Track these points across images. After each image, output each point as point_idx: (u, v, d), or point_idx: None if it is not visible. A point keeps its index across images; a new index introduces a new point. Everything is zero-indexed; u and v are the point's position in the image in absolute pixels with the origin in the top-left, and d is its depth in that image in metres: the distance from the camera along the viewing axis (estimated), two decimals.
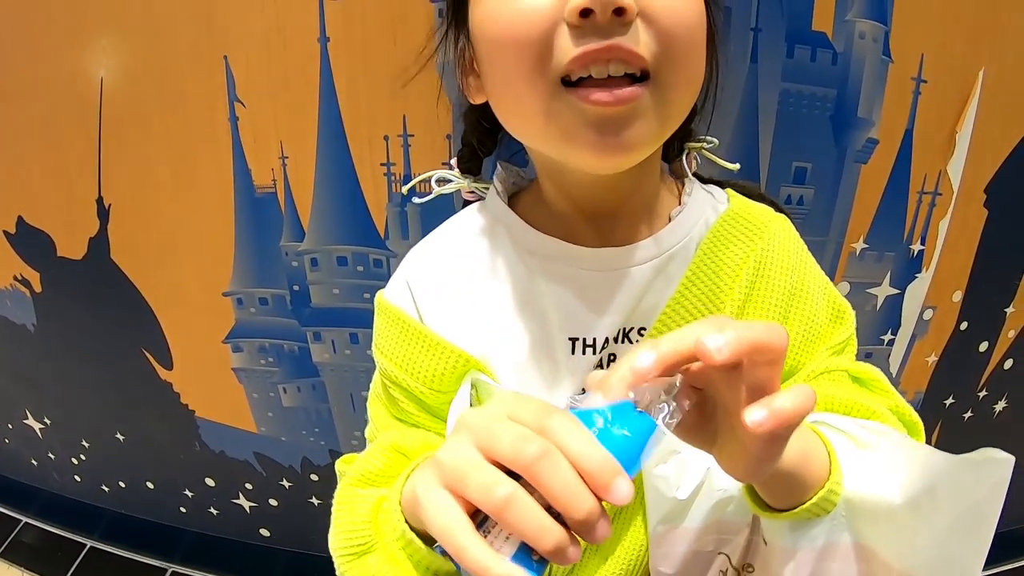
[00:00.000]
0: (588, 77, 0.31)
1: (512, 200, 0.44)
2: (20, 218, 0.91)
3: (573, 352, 0.40)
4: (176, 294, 0.88)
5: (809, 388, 0.25)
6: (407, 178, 0.74)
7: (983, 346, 0.95)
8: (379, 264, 0.79)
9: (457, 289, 0.42)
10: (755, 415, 0.23)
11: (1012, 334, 0.95)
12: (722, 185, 0.48)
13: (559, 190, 0.41)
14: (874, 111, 0.74)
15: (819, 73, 0.71)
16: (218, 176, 0.78)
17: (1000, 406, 1.01)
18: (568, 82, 0.32)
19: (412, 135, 0.71)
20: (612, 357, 0.41)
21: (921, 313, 0.88)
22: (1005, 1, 0.70)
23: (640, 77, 0.32)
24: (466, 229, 0.44)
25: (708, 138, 0.47)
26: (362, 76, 0.70)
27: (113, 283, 0.89)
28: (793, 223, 0.80)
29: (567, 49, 0.31)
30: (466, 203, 0.48)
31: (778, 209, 0.47)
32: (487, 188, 0.48)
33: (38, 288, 0.96)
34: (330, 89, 0.71)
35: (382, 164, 0.73)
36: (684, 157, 0.45)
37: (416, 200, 0.46)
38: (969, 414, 1.00)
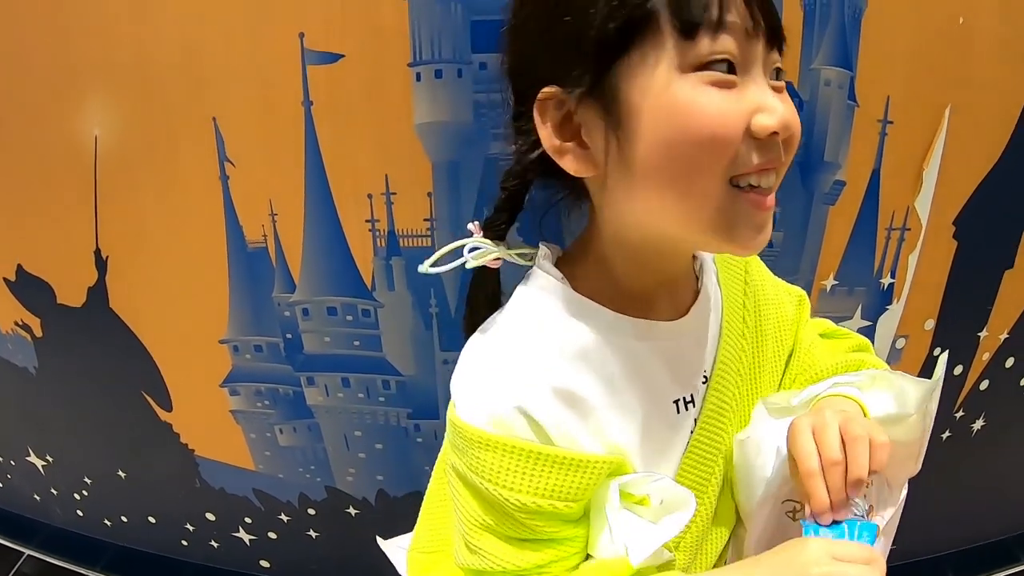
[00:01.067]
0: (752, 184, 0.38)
1: (578, 289, 0.44)
2: (20, 266, 0.94)
3: (678, 412, 0.47)
4: (174, 341, 0.91)
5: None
6: (391, 234, 0.77)
7: (958, 369, 0.97)
8: (367, 314, 0.82)
9: (573, 395, 0.41)
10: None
11: (987, 356, 0.98)
12: None
13: (642, 268, 0.44)
14: (840, 154, 0.77)
15: None
16: (211, 231, 0.81)
17: (978, 424, 1.04)
18: (735, 183, 0.37)
19: (395, 193, 0.74)
20: (691, 398, 0.48)
21: (894, 342, 0.91)
22: (970, 38, 0.73)
23: None
24: (548, 327, 0.42)
25: None
26: (345, 137, 0.73)
27: (113, 330, 0.92)
28: (764, 264, 0.84)
29: (750, 158, 0.36)
30: (475, 273, 0.49)
31: None
32: (519, 253, 0.48)
33: (39, 333, 0.99)
34: (315, 150, 0.74)
35: (367, 220, 0.76)
36: None
37: (432, 270, 0.45)
38: (947, 434, 1.03)
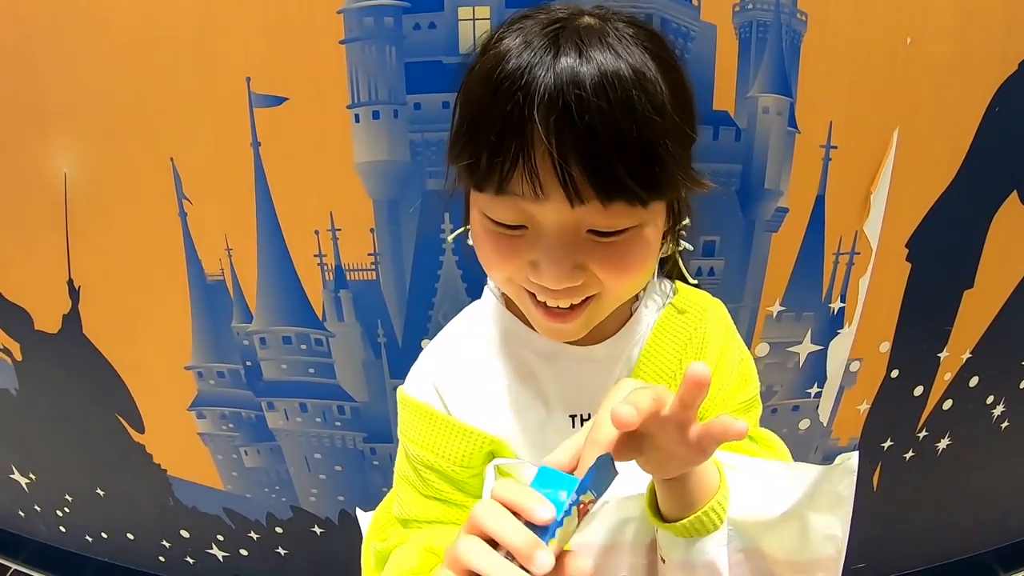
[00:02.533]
0: None
1: (509, 304, 0.51)
2: (0, 294, 0.98)
3: (573, 426, 0.49)
4: (143, 367, 0.95)
5: (740, 421, 0.33)
6: (338, 268, 0.79)
7: (918, 390, 0.97)
8: (320, 343, 0.85)
9: (477, 384, 0.50)
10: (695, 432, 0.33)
11: (948, 376, 0.97)
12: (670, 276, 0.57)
13: None
14: (782, 181, 0.76)
15: (722, 150, 0.74)
16: (173, 264, 0.84)
17: (943, 443, 1.03)
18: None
19: (339, 229, 0.77)
20: (589, 416, 0.49)
21: (848, 365, 0.91)
22: (915, 59, 0.72)
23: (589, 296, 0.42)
24: (475, 331, 0.52)
25: (685, 243, 0.55)
26: (291, 176, 0.76)
27: (87, 355, 0.96)
28: (706, 291, 0.85)
29: (531, 284, 0.41)
30: None
31: None
32: None
33: (19, 357, 1.03)
34: (264, 188, 0.76)
35: (315, 255, 0.79)
36: (662, 250, 0.51)
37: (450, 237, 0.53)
38: (911, 454, 1.03)
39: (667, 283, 0.55)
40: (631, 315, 0.51)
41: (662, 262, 0.55)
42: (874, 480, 1.04)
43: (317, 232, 0.78)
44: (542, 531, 0.30)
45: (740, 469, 0.42)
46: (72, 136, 0.82)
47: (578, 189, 0.36)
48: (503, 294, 0.51)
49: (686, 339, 0.51)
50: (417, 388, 0.51)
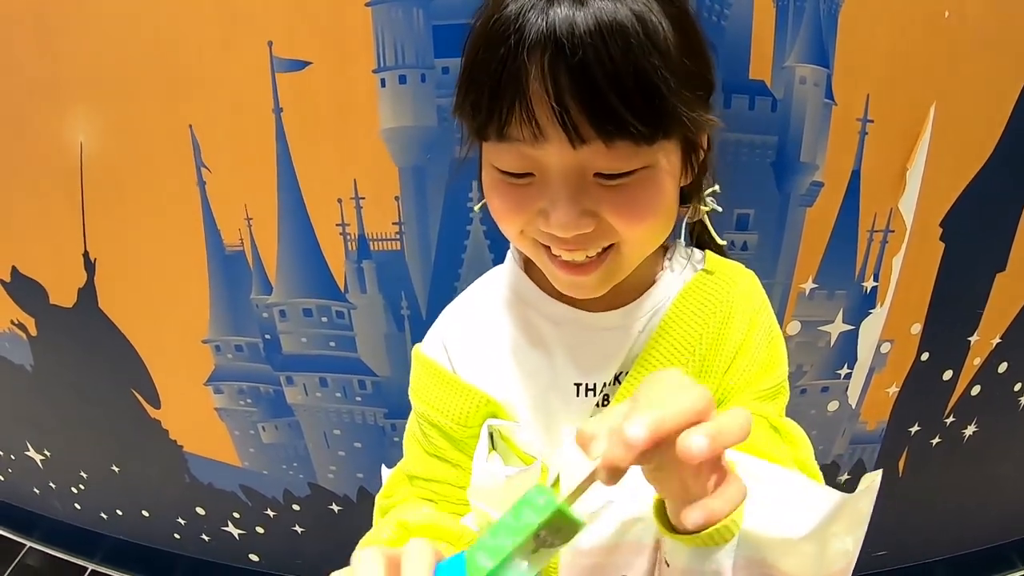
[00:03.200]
0: None
1: (528, 263, 0.50)
2: (14, 267, 0.97)
3: (577, 395, 0.48)
4: (160, 341, 0.94)
5: (745, 412, 0.28)
6: (362, 238, 0.78)
7: (947, 375, 0.95)
8: (341, 315, 0.83)
9: (484, 345, 0.50)
10: (696, 442, 0.26)
11: (978, 361, 0.95)
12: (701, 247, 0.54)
13: None
14: (818, 155, 0.74)
15: (758, 121, 0.72)
16: (190, 235, 0.82)
17: (970, 430, 1.02)
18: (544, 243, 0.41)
19: (363, 197, 0.75)
20: (606, 398, 0.48)
21: (878, 347, 0.89)
22: (954, 34, 0.70)
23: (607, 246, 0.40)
24: (491, 293, 0.52)
25: (710, 201, 0.51)
26: (314, 143, 0.74)
27: (103, 330, 0.95)
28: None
29: (541, 235, 0.40)
30: None
31: None
32: None
33: (34, 332, 1.02)
34: (286, 155, 0.75)
35: (337, 224, 0.77)
36: (687, 214, 0.50)
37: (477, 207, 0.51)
38: (937, 440, 1.01)
39: (697, 252, 0.52)
40: (653, 283, 0.49)
41: (690, 228, 0.52)
42: (900, 465, 1.02)
43: (340, 201, 0.76)
44: None
45: (763, 479, 0.37)
46: (88, 104, 0.80)
47: (577, 128, 0.35)
48: (523, 257, 0.50)
49: (711, 310, 0.48)
50: (428, 344, 0.52)
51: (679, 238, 0.51)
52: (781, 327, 0.85)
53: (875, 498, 0.33)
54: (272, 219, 0.79)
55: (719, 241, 0.53)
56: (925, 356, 0.92)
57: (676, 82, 0.35)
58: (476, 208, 0.53)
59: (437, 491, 0.50)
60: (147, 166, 0.81)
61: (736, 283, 0.50)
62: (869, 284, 0.84)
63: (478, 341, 0.50)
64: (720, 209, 0.51)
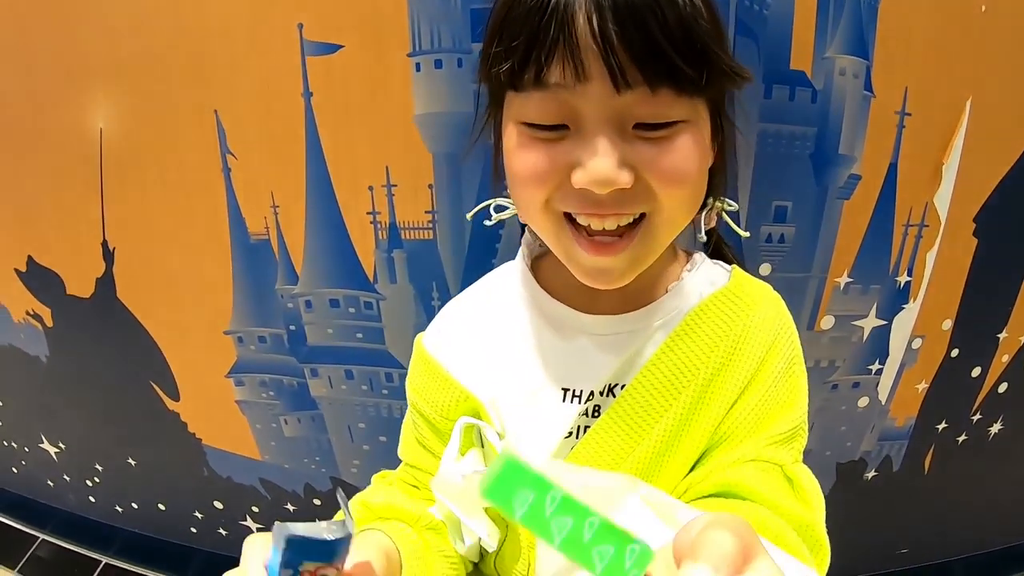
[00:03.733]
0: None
1: (537, 262, 0.49)
2: (30, 257, 0.95)
3: (564, 400, 0.45)
4: (180, 332, 0.92)
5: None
6: (393, 226, 0.76)
7: (975, 371, 0.94)
8: (369, 306, 0.82)
9: (479, 341, 0.49)
10: None
11: (1006, 358, 0.95)
12: (730, 262, 0.51)
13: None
14: (856, 147, 0.74)
15: (798, 112, 0.71)
16: (214, 223, 0.81)
17: (996, 428, 1.01)
18: (570, 216, 0.38)
19: (395, 185, 0.73)
20: (596, 409, 0.45)
21: (910, 342, 0.88)
22: (990, 29, 0.70)
23: (638, 218, 0.38)
24: (496, 287, 0.51)
25: (729, 201, 0.49)
26: (345, 129, 0.72)
27: (120, 320, 0.93)
28: (774, 260, 0.81)
29: (570, 200, 0.37)
30: (522, 227, 0.51)
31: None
32: None
33: (49, 323, 1.00)
34: (315, 141, 0.73)
35: (368, 213, 0.76)
36: (704, 212, 0.47)
37: (486, 223, 0.50)
38: (963, 437, 1.00)
39: (723, 269, 0.49)
40: (666, 293, 0.46)
41: (708, 233, 0.49)
42: (926, 463, 1.02)
43: (371, 188, 0.74)
44: None
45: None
46: (108, 88, 0.78)
47: (623, 70, 0.34)
48: (532, 255, 0.49)
49: (723, 333, 0.44)
50: (428, 333, 0.52)
51: (698, 245, 0.49)
52: (815, 322, 0.85)
53: None
54: (299, 207, 0.77)
55: (742, 233, 0.51)
56: (955, 353, 0.91)
57: (713, 33, 0.35)
58: (468, 216, 0.51)
59: (419, 479, 0.49)
60: (170, 152, 0.79)
61: (757, 307, 0.45)
62: (903, 279, 0.83)
63: (474, 336, 0.48)
64: (736, 207, 0.49)
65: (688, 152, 0.37)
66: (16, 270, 0.97)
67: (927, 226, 0.81)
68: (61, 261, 0.94)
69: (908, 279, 0.84)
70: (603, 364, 0.44)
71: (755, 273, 0.78)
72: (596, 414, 0.44)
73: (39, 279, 0.96)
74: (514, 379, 0.46)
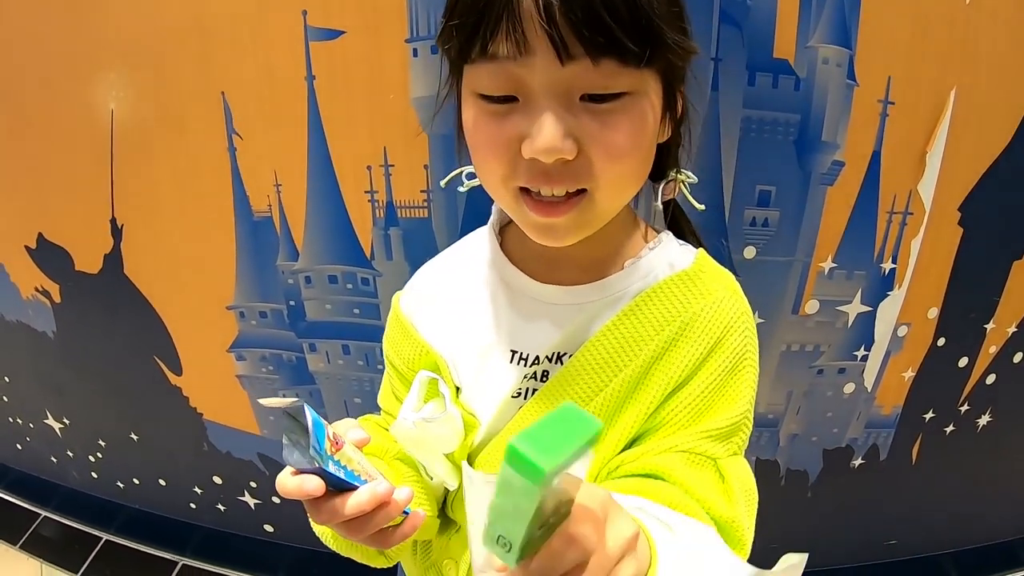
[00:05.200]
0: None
1: (504, 229, 0.51)
2: (40, 234, 0.99)
3: (511, 361, 0.48)
4: (184, 307, 0.95)
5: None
6: (390, 205, 0.79)
7: (963, 361, 0.95)
8: (366, 282, 0.84)
9: (443, 299, 0.51)
10: None
11: (994, 350, 0.95)
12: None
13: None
14: (839, 134, 0.75)
15: (781, 99, 0.73)
16: (219, 200, 0.84)
17: (984, 420, 1.02)
18: (523, 188, 0.40)
19: (393, 165, 0.76)
20: (545, 374, 0.47)
21: (895, 329, 0.90)
22: (975, 19, 0.71)
23: (580, 189, 0.40)
24: (467, 250, 0.53)
25: (688, 173, 0.50)
26: (345, 111, 0.75)
27: (127, 296, 0.96)
28: (758, 243, 0.83)
29: (522, 173, 0.39)
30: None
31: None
32: None
33: (57, 299, 1.03)
34: (317, 122, 0.76)
35: (366, 192, 0.78)
36: (662, 185, 0.49)
37: (460, 189, 0.52)
38: (951, 428, 1.01)
39: (687, 254, 0.48)
40: (621, 269, 0.46)
41: (665, 206, 0.50)
42: (913, 452, 1.02)
43: (369, 168, 0.77)
44: (339, 480, 0.35)
45: (686, 540, 0.35)
46: (120, 70, 0.82)
47: (565, 42, 0.35)
48: (501, 226, 0.51)
49: (671, 318, 0.44)
50: (403, 292, 0.55)
51: (657, 219, 0.50)
52: (800, 305, 0.86)
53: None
54: (301, 186, 0.80)
55: (697, 206, 0.51)
56: (941, 341, 0.92)
57: (660, 8, 0.36)
58: (442, 183, 0.53)
59: (391, 423, 0.52)
60: (178, 132, 0.82)
61: (712, 295, 0.45)
62: (887, 266, 0.85)
63: (440, 296, 0.51)
64: (696, 179, 0.50)
65: (632, 127, 0.38)
66: (27, 247, 1.00)
67: (911, 214, 0.82)
68: (70, 238, 0.97)
69: (893, 266, 0.85)
70: (550, 332, 0.46)
71: (739, 256, 0.81)
72: (544, 379, 0.46)
73: (48, 255, 0.99)
74: (470, 338, 0.49)
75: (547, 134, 0.36)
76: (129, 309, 0.97)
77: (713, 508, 0.41)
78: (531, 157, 0.37)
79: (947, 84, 0.74)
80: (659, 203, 0.48)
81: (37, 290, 1.04)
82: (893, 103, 0.75)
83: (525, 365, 0.47)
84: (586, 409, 0.42)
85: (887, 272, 0.85)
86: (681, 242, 0.49)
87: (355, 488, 0.36)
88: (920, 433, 1.01)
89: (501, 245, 0.49)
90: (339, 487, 0.35)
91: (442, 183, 0.52)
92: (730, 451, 0.44)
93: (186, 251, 0.90)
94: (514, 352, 0.47)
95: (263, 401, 0.35)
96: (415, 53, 0.71)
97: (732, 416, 0.44)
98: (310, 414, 0.33)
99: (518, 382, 0.47)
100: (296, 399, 0.35)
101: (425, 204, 0.78)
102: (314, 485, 0.34)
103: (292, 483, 0.35)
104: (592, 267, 0.46)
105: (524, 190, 0.40)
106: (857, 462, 1.01)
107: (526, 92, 0.37)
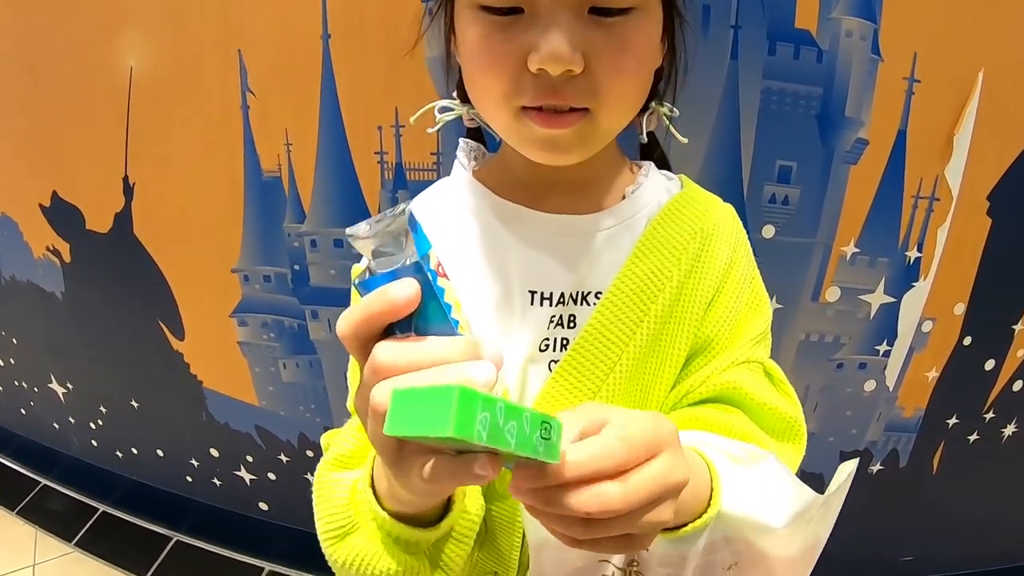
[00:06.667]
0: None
1: (476, 175, 0.48)
2: (55, 192, 0.99)
3: (532, 303, 0.44)
4: (190, 269, 0.95)
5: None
6: (399, 166, 0.78)
7: (989, 364, 0.91)
8: None
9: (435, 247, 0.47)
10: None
11: (1021, 353, 0.91)
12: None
13: (526, 162, 0.44)
14: (863, 111, 0.73)
15: (803, 71, 0.71)
16: (230, 160, 0.84)
17: (1009, 430, 0.97)
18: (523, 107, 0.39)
19: (403, 126, 0.75)
20: (572, 319, 0.44)
21: (920, 324, 0.86)
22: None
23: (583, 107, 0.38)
24: (442, 196, 0.49)
25: (670, 106, 0.49)
26: (359, 70, 0.75)
27: (135, 256, 0.96)
28: (778, 222, 0.80)
29: (527, 90, 0.38)
30: (468, 131, 0.50)
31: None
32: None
33: (68, 259, 1.04)
34: (330, 81, 0.76)
35: (376, 152, 0.77)
36: (645, 116, 0.47)
37: (429, 130, 0.51)
38: (975, 436, 0.96)
39: (673, 176, 0.50)
40: (624, 198, 0.45)
41: (648, 146, 0.49)
42: (935, 462, 0.98)
43: (380, 128, 0.76)
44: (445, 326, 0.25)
45: (748, 465, 0.38)
46: (139, 28, 0.82)
47: None
48: (473, 170, 0.48)
49: (690, 235, 0.45)
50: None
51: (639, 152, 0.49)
52: (820, 292, 0.83)
53: (850, 483, 0.36)
54: (312, 145, 0.79)
55: (681, 139, 0.49)
56: (967, 341, 0.88)
57: None
58: (412, 120, 0.51)
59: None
60: (194, 90, 0.82)
61: (716, 211, 0.47)
62: (913, 254, 0.81)
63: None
64: (677, 112, 0.48)
65: (638, 44, 0.38)
66: (40, 205, 1.01)
67: (938, 200, 0.79)
68: (83, 196, 0.98)
69: (918, 255, 0.82)
70: (567, 267, 0.44)
71: (758, 235, 0.78)
72: (572, 324, 0.44)
73: (61, 214, 1.00)
74: (480, 292, 0.44)
75: (556, 42, 0.35)
76: (136, 270, 0.97)
77: (781, 413, 0.44)
78: (538, 69, 0.36)
79: (975, 64, 0.71)
80: (643, 136, 0.47)
81: (48, 249, 1.05)
82: (919, 81, 0.72)
83: (550, 305, 0.44)
84: (630, 342, 0.43)
85: (912, 261, 0.82)
86: (659, 170, 0.49)
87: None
88: (942, 440, 0.96)
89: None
90: (433, 322, 0.25)
91: (412, 119, 0.48)
92: (767, 353, 0.47)
93: (194, 211, 0.89)
94: (533, 293, 0.44)
95: (352, 230, 0.29)
96: (430, 12, 0.70)
97: (764, 321, 0.47)
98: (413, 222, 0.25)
99: (543, 329, 0.43)
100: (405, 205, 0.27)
101: (434, 167, 0.77)
102: (410, 287, 0.25)
103: (376, 295, 0.25)
104: (591, 199, 0.44)
105: (525, 109, 0.38)
106: (875, 468, 0.96)
107: (533, 3, 0.36)
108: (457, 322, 0.26)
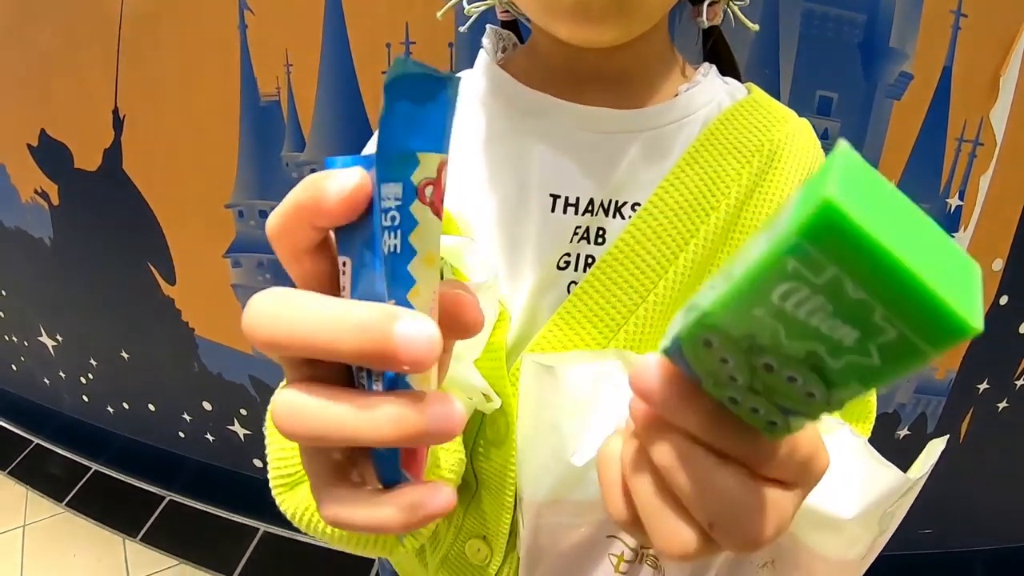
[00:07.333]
0: None
1: (503, 64, 0.41)
2: (43, 131, 0.94)
3: (553, 210, 0.37)
4: (181, 205, 0.90)
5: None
6: None
7: (1023, 327, 0.87)
8: None
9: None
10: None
11: None
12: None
13: (558, 47, 0.37)
14: (908, 43, 0.68)
15: None
16: (225, 84, 0.78)
17: None
18: None
19: (414, 42, 0.70)
20: (601, 232, 0.37)
21: None
22: None
23: None
24: (462, 91, 0.42)
25: None
26: None
27: (124, 195, 0.91)
28: None
29: None
30: (502, 23, 0.43)
31: None
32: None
33: (56, 201, 0.98)
34: None
35: (383, 72, 0.72)
36: (707, 6, 0.39)
37: (461, 30, 0.44)
38: (1004, 404, 0.92)
39: (738, 82, 0.41)
40: (675, 96, 0.38)
41: (710, 33, 0.42)
42: (962, 428, 0.93)
43: (388, 46, 0.71)
44: (391, 282, 0.15)
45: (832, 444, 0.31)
46: None
47: None
48: (496, 53, 0.41)
49: (754, 147, 0.37)
50: None
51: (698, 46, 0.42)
52: None
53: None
54: (313, 64, 0.74)
55: (751, 26, 0.41)
56: (1004, 300, 0.84)
57: None
58: (438, 15, 0.44)
59: None
60: (189, 9, 0.77)
61: (790, 124, 0.38)
62: (954, 202, 0.77)
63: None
64: (747, 1, 0.42)
65: None
66: (28, 145, 0.96)
67: (982, 144, 0.74)
68: (72, 132, 0.92)
69: (959, 203, 0.77)
70: (599, 168, 0.36)
71: None
72: (601, 239, 0.36)
73: (49, 153, 0.95)
74: (490, 190, 0.37)
75: None
76: (125, 210, 0.92)
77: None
78: None
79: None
80: (704, 22, 0.39)
81: (36, 192, 0.99)
82: (966, 16, 0.67)
83: (575, 213, 0.36)
84: (670, 268, 0.35)
85: (953, 209, 0.77)
86: (724, 78, 0.41)
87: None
88: (971, 406, 0.92)
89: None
90: (364, 275, 0.16)
91: (439, 14, 0.43)
92: None
93: (187, 142, 0.84)
94: (555, 197, 0.36)
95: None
96: None
97: None
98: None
99: (564, 243, 0.36)
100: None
101: None
102: (349, 177, 0.16)
103: (306, 182, 0.16)
104: (630, 93, 0.37)
105: None
106: (903, 432, 0.92)
107: None
108: (412, 281, 0.16)
